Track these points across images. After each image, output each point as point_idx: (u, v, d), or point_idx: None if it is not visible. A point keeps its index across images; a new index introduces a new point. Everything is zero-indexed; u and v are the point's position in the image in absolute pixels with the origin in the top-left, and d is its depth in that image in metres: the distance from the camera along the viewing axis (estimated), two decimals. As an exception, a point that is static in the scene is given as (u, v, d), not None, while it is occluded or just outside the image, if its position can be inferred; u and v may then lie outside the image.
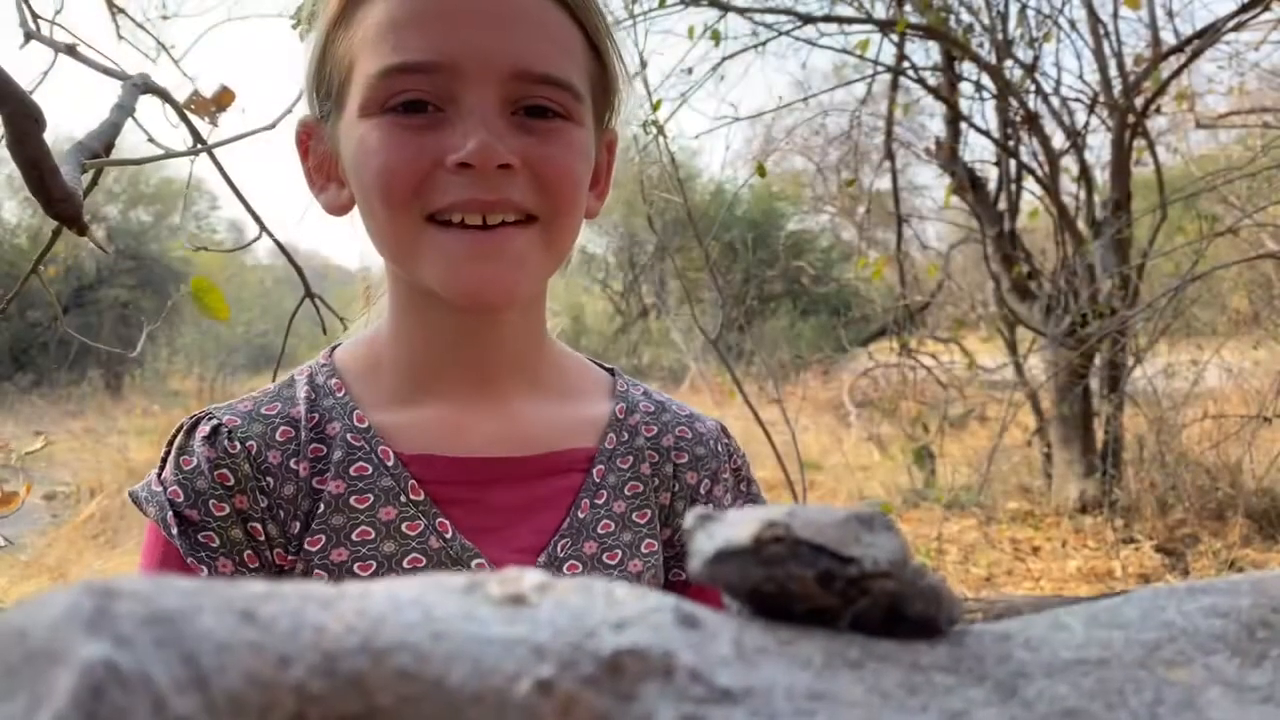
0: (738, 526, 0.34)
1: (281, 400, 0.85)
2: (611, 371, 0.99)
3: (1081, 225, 5.89)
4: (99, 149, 0.81)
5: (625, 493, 0.90)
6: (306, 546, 0.80)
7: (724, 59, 5.02)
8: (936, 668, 0.33)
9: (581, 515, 0.86)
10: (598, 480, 0.88)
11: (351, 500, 0.81)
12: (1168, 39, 5.51)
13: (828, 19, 5.46)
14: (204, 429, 0.81)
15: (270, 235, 1.35)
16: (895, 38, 5.57)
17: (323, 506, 0.81)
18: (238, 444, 0.80)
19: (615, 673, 0.28)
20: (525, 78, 0.77)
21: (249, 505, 0.79)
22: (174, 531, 0.78)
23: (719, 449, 0.97)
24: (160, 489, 0.80)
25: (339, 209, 0.86)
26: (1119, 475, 5.69)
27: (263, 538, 0.80)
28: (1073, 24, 5.95)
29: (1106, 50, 5.77)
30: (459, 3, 0.76)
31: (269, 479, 0.80)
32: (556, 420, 0.90)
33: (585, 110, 0.82)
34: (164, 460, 0.83)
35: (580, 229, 0.87)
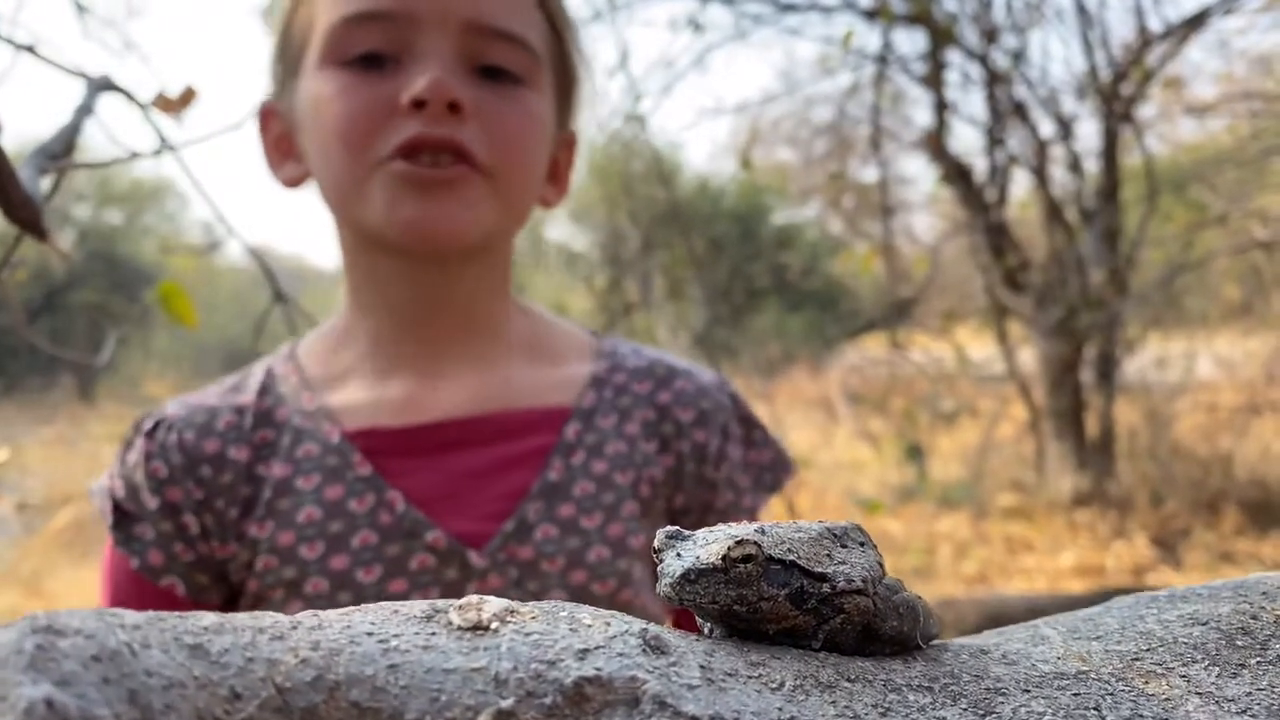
0: (707, 546, 0.33)
1: (236, 390, 0.85)
2: (596, 335, 0.96)
3: (1071, 215, 5.89)
4: (59, 152, 0.80)
5: (606, 452, 0.85)
6: (254, 533, 0.79)
7: (706, 50, 5.02)
8: (911, 687, 0.33)
9: (554, 477, 0.83)
10: (573, 440, 0.85)
11: (297, 482, 0.80)
12: (1154, 26, 5.52)
13: (811, 7, 5.46)
14: (148, 424, 0.82)
15: (238, 236, 1.34)
16: (881, 26, 5.56)
17: (269, 492, 0.80)
18: (174, 435, 0.80)
19: (579, 702, 0.27)
20: (482, 31, 0.78)
21: (182, 497, 0.79)
22: (109, 523, 0.79)
23: (725, 401, 0.93)
24: (107, 483, 0.81)
25: (294, 182, 0.87)
26: (1111, 468, 5.70)
27: (195, 531, 0.79)
28: (1058, 12, 5.96)
29: (1093, 38, 5.78)
30: None
31: (205, 467, 0.80)
32: (525, 380, 0.87)
33: (544, 78, 0.83)
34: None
35: (533, 198, 0.86)
